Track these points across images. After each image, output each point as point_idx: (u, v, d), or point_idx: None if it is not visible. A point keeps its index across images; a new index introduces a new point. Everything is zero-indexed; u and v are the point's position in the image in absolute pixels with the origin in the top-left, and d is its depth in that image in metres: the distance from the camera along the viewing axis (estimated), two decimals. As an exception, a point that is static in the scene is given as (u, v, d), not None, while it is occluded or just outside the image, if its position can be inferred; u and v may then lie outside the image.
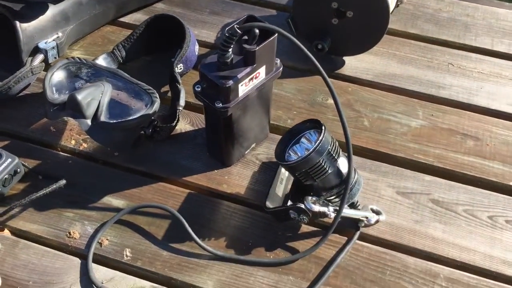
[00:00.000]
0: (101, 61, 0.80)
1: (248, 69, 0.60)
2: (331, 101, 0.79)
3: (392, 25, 0.79)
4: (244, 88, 0.61)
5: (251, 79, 0.61)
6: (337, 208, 0.61)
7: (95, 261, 0.62)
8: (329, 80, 0.56)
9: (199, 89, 0.62)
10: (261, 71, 0.62)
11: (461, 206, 0.68)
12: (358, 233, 0.64)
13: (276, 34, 0.59)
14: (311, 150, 0.58)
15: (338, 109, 0.57)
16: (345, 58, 0.85)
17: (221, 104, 0.60)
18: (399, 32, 0.91)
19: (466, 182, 0.70)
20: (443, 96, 0.81)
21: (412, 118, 0.78)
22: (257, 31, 0.58)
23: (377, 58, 0.86)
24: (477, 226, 0.66)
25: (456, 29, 0.91)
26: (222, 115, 0.62)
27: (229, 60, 0.59)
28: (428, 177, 0.70)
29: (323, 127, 0.59)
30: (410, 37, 0.90)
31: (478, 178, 0.71)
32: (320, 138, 0.58)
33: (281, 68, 0.65)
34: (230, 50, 0.58)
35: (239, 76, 0.59)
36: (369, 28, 0.79)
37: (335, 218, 0.60)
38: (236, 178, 0.70)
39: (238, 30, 0.56)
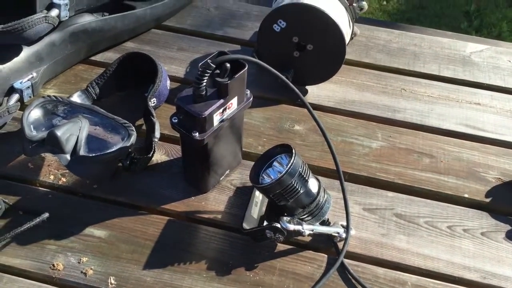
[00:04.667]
0: (76, 98, 0.82)
1: (221, 101, 0.64)
2: (297, 127, 0.85)
3: (348, 56, 0.86)
4: (218, 118, 0.66)
5: (225, 109, 0.66)
6: (311, 226, 0.66)
7: (81, 291, 0.64)
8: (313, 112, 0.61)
9: (176, 121, 0.66)
10: (233, 102, 0.67)
11: (422, 218, 0.74)
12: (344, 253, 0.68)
13: (246, 67, 0.65)
14: (283, 172, 0.63)
15: (326, 139, 0.64)
16: (307, 87, 0.91)
17: (197, 133, 0.65)
18: (355, 62, 0.98)
19: (425, 196, 0.77)
20: (398, 119, 0.88)
21: (372, 140, 0.84)
22: (228, 65, 0.63)
23: (337, 86, 0.92)
24: (438, 236, 0.72)
25: (406, 58, 0.99)
26: (198, 143, 0.66)
27: (203, 92, 0.63)
28: (390, 193, 0.76)
29: (293, 151, 0.64)
30: (365, 66, 0.97)
31: (435, 192, 0.77)
32: (292, 161, 0.63)
33: (251, 99, 0.70)
34: (205, 83, 0.63)
35: (214, 107, 0.64)
36: (328, 59, 0.86)
37: (342, 247, 0.68)
38: (213, 204, 0.74)
39: (212, 64, 0.61)
